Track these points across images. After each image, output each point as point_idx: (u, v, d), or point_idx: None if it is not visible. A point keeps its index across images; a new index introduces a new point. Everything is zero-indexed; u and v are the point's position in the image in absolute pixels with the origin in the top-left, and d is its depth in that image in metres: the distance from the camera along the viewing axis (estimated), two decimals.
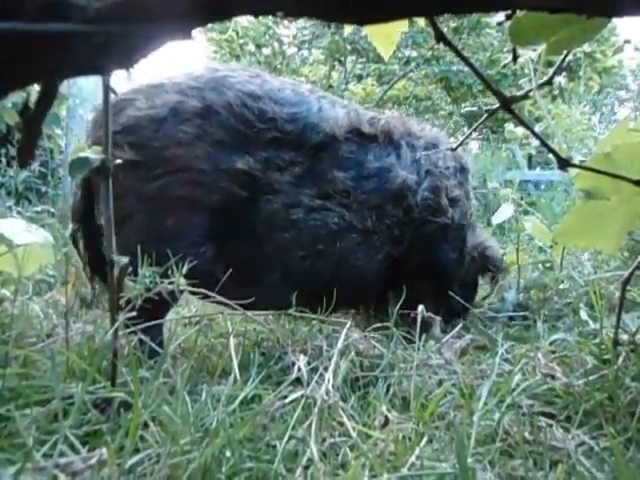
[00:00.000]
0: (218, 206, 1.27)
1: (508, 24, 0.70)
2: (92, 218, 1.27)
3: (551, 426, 0.86)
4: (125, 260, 0.87)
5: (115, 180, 0.89)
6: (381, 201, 1.45)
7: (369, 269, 1.46)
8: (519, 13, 0.66)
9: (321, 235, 1.38)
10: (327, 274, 1.40)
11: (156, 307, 1.00)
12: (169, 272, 0.97)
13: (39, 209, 3.06)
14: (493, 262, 1.72)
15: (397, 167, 1.49)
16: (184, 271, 0.97)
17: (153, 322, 1.08)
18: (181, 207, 1.25)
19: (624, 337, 1.05)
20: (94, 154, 0.85)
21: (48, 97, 0.45)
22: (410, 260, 1.52)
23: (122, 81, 1.34)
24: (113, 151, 0.88)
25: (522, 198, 2.58)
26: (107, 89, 0.83)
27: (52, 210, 3.16)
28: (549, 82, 0.81)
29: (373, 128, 1.49)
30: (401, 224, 1.49)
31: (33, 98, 0.48)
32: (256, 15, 0.41)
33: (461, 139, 0.97)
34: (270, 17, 0.44)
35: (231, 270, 1.21)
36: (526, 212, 2.49)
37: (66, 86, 4.06)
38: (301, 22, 7.36)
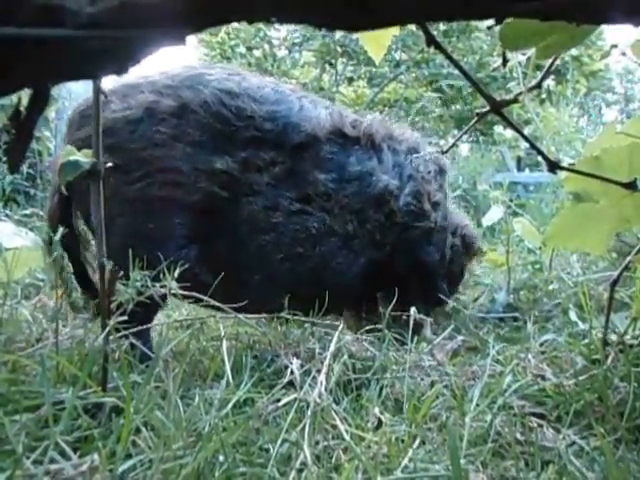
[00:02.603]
0: (199, 207, 1.26)
1: (498, 28, 0.71)
2: (70, 221, 1.25)
3: (542, 426, 0.87)
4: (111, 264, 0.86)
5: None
6: (362, 205, 1.43)
7: (350, 273, 1.45)
8: (509, 18, 0.67)
9: (301, 238, 1.36)
10: (308, 277, 1.39)
11: (146, 311, 1.00)
12: (158, 275, 0.96)
13: (28, 212, 3.02)
14: (470, 240, 1.71)
15: (379, 171, 1.47)
16: (176, 274, 0.96)
17: (144, 326, 1.07)
18: (162, 209, 1.23)
19: (613, 337, 1.06)
20: (84, 157, 0.85)
21: (40, 101, 0.45)
22: (396, 264, 1.51)
23: (111, 82, 1.33)
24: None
25: (511, 200, 2.60)
26: (98, 92, 0.82)
27: (41, 213, 3.11)
28: (538, 85, 0.82)
29: (356, 130, 1.46)
30: (383, 229, 1.47)
31: (24, 102, 0.48)
32: (250, 21, 0.41)
33: (452, 142, 0.97)
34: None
35: (215, 271, 1.20)
36: (515, 214, 2.50)
37: (55, 88, 4.02)
38: (292, 25, 7.36)
